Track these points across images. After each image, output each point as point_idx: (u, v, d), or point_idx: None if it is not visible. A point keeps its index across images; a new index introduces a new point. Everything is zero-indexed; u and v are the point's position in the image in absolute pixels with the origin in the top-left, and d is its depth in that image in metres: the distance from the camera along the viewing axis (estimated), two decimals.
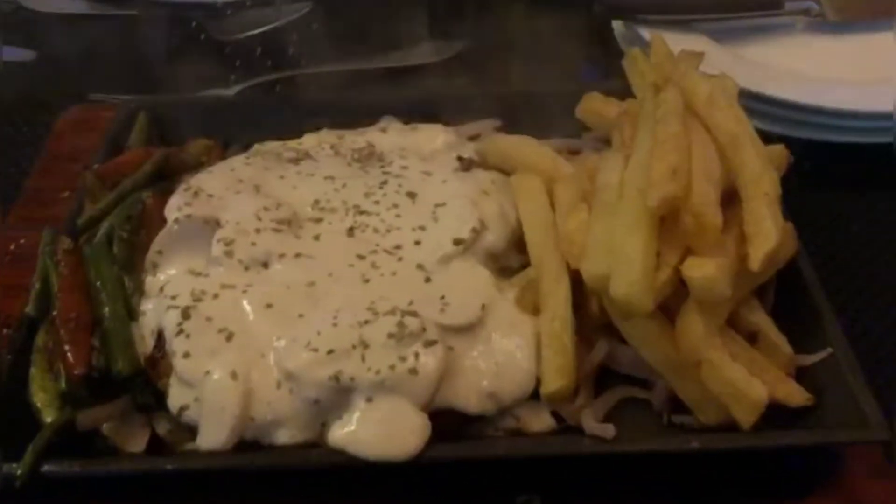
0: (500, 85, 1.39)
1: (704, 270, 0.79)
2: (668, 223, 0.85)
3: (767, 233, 0.83)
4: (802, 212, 1.11)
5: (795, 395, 0.82)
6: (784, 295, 0.92)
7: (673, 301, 0.84)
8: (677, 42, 1.33)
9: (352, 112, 1.21)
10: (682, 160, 0.86)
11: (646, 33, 1.34)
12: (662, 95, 0.99)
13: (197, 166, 1.06)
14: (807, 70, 1.31)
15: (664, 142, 0.90)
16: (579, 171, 0.94)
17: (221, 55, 1.49)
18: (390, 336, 0.81)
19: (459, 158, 1.08)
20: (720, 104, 0.98)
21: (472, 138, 1.18)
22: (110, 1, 1.60)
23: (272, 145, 1.15)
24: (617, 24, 1.41)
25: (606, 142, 1.14)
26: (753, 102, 1.20)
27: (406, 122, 1.19)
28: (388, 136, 1.14)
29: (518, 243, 0.97)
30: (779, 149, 1.01)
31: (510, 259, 0.96)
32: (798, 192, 0.99)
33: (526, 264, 0.95)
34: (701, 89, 0.99)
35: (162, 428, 0.84)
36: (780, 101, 1.23)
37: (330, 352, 0.80)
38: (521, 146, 1.02)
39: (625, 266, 0.79)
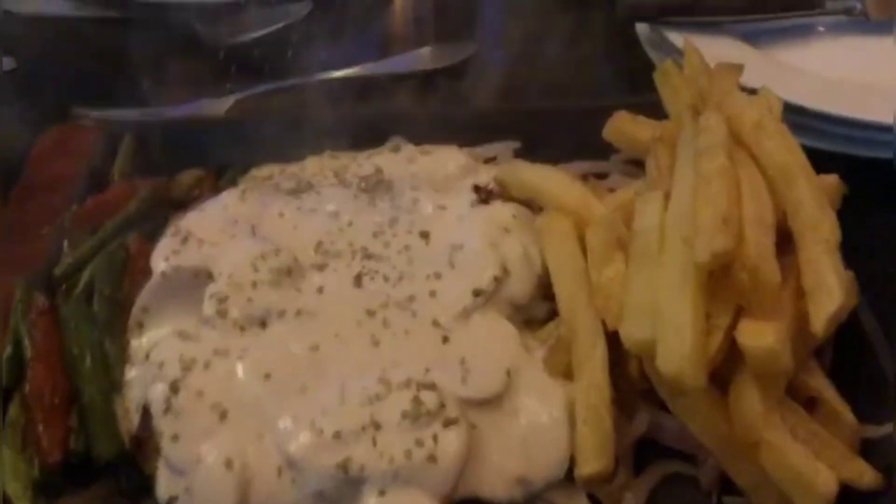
0: (515, 96, 1.29)
1: (763, 340, 0.69)
2: (717, 276, 0.75)
3: (830, 290, 0.73)
4: (850, 236, 1.00)
5: (864, 475, 0.72)
6: (842, 350, 0.82)
7: (724, 366, 0.74)
8: (708, 46, 1.23)
9: (356, 129, 1.11)
10: (732, 204, 0.76)
11: (673, 37, 1.24)
12: (703, 121, 0.89)
13: (188, 201, 0.97)
14: (850, 75, 1.21)
15: (710, 180, 0.79)
16: (613, 214, 0.84)
17: (216, 61, 1.39)
18: (405, 416, 0.72)
19: (476, 189, 0.99)
20: (769, 130, 0.88)
21: (489, 160, 1.09)
22: (96, 2, 1.49)
23: (270, 170, 1.05)
24: (642, 27, 1.30)
25: (637, 164, 1.05)
26: (794, 116, 1.10)
27: (416, 143, 1.09)
28: (398, 159, 1.04)
29: (544, 288, 0.87)
30: (832, 179, 0.90)
31: (536, 308, 0.86)
32: (845, 215, 0.89)
33: (554, 312, 0.85)
34: (747, 114, 0.88)
35: None
36: (824, 115, 1.13)
37: (336, 435, 0.71)
38: (546, 180, 0.91)
39: (673, 336, 0.70)
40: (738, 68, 1.01)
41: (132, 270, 0.85)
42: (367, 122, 1.12)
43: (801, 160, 0.85)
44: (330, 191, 0.97)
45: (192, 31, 1.41)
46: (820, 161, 0.89)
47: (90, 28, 1.47)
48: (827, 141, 1.11)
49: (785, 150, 0.86)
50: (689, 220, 0.77)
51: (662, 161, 0.92)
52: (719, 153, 0.83)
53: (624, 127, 1.02)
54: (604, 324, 0.79)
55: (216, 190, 1.00)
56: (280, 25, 1.41)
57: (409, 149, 1.06)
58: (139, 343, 0.81)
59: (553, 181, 0.92)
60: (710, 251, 0.72)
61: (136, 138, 1.08)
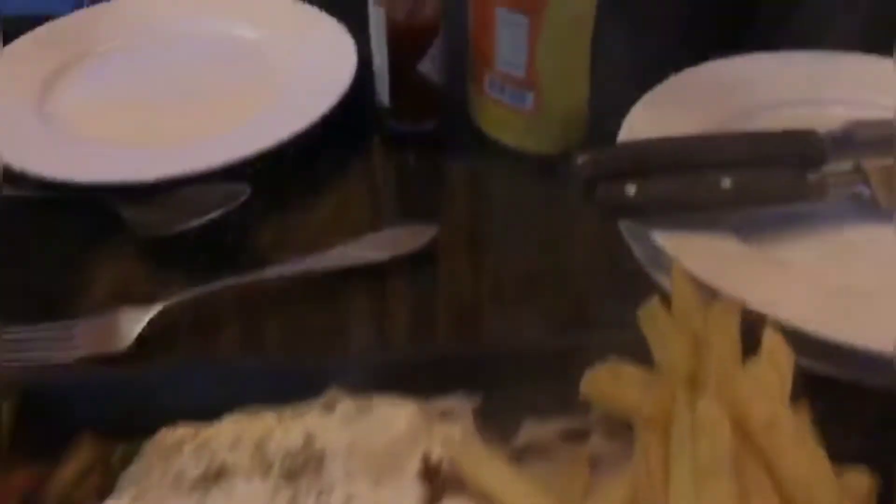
0: (478, 298, 1.13)
1: None
2: None
3: None
4: None
5: None
6: None
7: None
8: (698, 246, 1.08)
9: (286, 376, 0.94)
10: None
11: (657, 235, 1.07)
12: (701, 412, 0.72)
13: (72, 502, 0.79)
14: (866, 282, 1.04)
15: None
16: None
17: (143, 256, 1.23)
18: None
19: (425, 470, 0.81)
20: (783, 428, 0.70)
21: (445, 413, 0.91)
22: (26, 183, 1.31)
23: (183, 433, 0.87)
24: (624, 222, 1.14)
25: (622, 424, 0.87)
26: (802, 342, 0.92)
27: (360, 387, 0.91)
28: (332, 421, 0.87)
29: None
30: (859, 480, 0.73)
31: None
32: None
33: None
34: (756, 408, 0.71)
35: None
36: (826, 341, 0.95)
37: None
38: (509, 488, 0.73)
39: None
40: (737, 309, 0.85)
41: None
42: (302, 369, 0.95)
43: (826, 474, 0.68)
44: (244, 487, 0.79)
45: (119, 220, 1.24)
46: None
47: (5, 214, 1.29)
48: (833, 366, 0.95)
49: (804, 459, 0.69)
50: None
51: (652, 456, 0.74)
52: (723, 473, 0.66)
53: (604, 387, 0.85)
54: None
55: (110, 474, 0.82)
56: (215, 214, 1.23)
57: (346, 405, 0.88)
58: None
59: (517, 487, 0.73)
60: None
61: (21, 399, 0.90)
